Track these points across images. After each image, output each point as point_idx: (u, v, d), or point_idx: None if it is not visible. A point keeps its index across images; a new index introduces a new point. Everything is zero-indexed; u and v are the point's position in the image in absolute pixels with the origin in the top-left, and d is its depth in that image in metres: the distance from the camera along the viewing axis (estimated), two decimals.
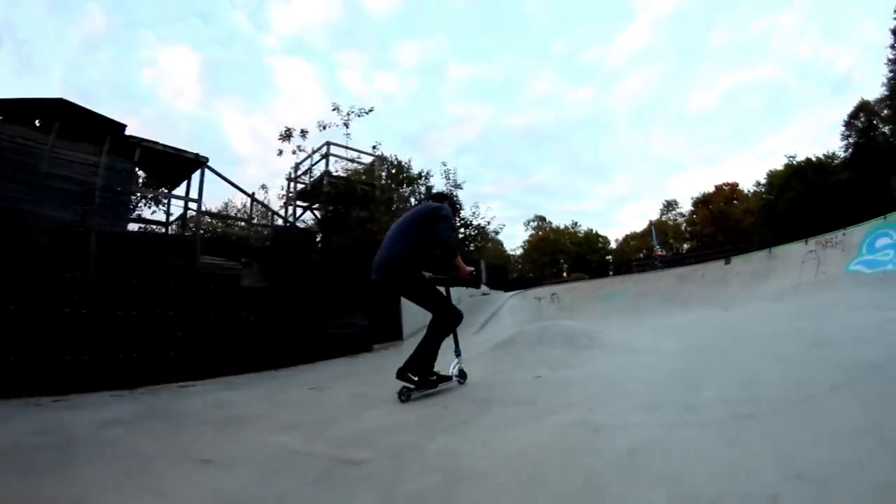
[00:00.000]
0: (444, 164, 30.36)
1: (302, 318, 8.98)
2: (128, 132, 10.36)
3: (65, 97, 9.62)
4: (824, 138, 73.58)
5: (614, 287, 14.75)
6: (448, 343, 4.14)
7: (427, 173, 28.67)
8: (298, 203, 17.12)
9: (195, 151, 11.55)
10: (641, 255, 42.56)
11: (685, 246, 52.19)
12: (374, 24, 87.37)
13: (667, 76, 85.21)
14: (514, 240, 73.31)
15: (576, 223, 61.47)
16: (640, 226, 54.29)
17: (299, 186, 16.93)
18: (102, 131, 10.05)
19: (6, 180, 8.59)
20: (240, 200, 25.90)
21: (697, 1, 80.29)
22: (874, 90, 34.75)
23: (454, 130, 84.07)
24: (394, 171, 28.40)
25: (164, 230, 13.44)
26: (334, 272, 10.78)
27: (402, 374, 3.80)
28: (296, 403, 4.29)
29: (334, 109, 15.55)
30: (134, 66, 63.56)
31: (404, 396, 3.72)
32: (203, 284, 8.27)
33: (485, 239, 24.31)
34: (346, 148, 17.26)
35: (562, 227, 61.26)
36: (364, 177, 16.97)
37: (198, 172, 11.79)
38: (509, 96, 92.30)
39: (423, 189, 28.10)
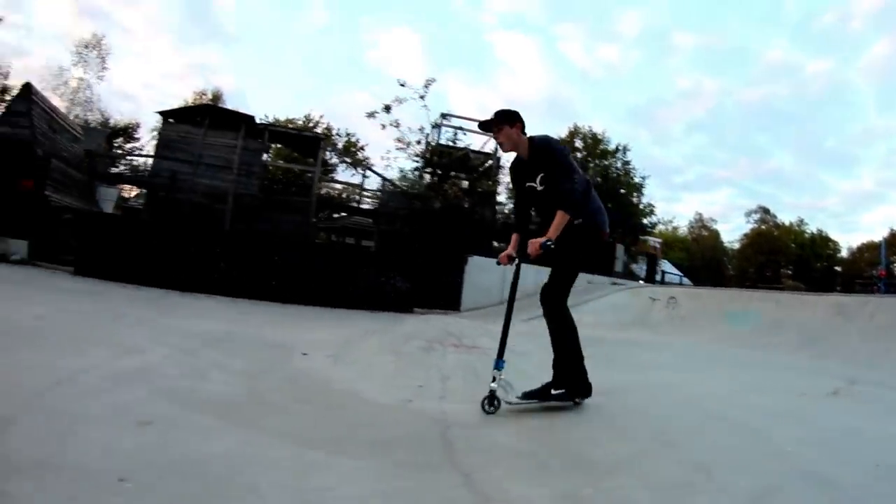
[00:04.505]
0: None
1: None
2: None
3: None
4: None
5: (748, 304, 11.53)
6: None
7: (624, 147, 28.14)
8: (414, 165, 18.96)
9: (322, 131, 15.08)
10: (874, 272, 33.72)
11: None
12: None
13: None
14: (738, 232, 64.76)
15: (802, 220, 51.21)
16: (883, 234, 42.86)
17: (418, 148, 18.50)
18: (239, 122, 14.33)
19: (176, 160, 13.88)
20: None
21: None
22: None
23: (682, 105, 77.07)
24: (590, 142, 28.71)
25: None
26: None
27: None
28: None
29: (402, 85, 16.32)
30: (359, 48, 74.95)
31: None
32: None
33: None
34: (463, 118, 18.73)
35: (787, 223, 51.67)
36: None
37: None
38: (739, 67, 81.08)
39: (619, 164, 27.94)
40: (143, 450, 2.09)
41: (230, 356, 4.26)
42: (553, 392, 3.37)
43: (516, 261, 3.45)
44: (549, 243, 3.19)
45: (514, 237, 3.57)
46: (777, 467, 2.52)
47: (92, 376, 3.04)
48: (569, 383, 3.39)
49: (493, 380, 3.20)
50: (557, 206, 3.30)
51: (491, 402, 3.18)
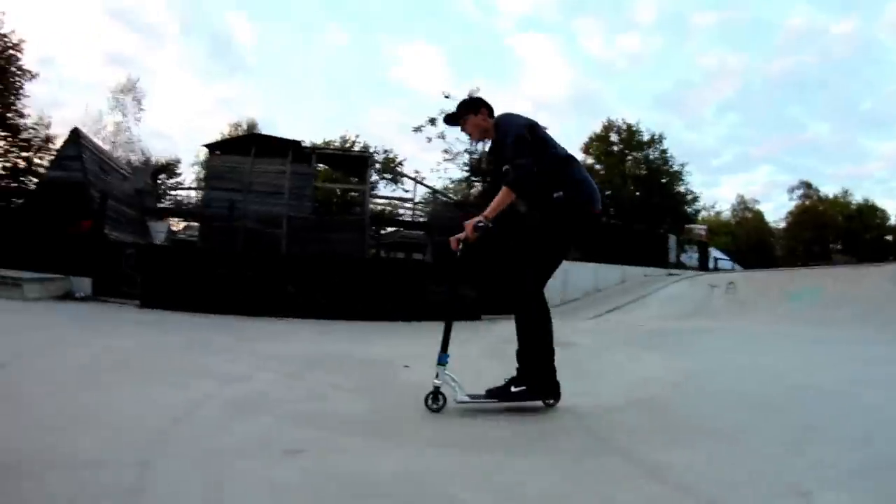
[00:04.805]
0: None
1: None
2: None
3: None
4: None
5: (807, 281, 11.57)
6: None
7: (660, 136, 27.39)
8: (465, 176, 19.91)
9: (361, 150, 15.03)
10: None
11: None
12: None
13: None
14: (782, 210, 62.50)
15: (846, 192, 49.06)
16: None
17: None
18: (286, 147, 14.83)
19: (226, 189, 14.45)
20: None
21: None
22: None
23: (710, 86, 75.54)
24: (625, 134, 27.98)
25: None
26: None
27: None
28: None
29: (447, 97, 17.89)
30: (380, 64, 76.07)
31: None
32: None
33: None
34: None
35: (831, 196, 49.49)
36: None
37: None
38: (763, 40, 78.92)
39: (657, 153, 27.23)
40: (308, 480, 1.92)
41: (336, 375, 4.20)
42: (513, 390, 2.96)
43: (461, 245, 3.01)
44: (481, 224, 2.84)
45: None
46: (873, 418, 2.84)
47: (208, 408, 2.93)
48: (532, 380, 2.96)
49: (437, 376, 2.89)
50: (501, 182, 2.93)
51: (436, 399, 2.88)
